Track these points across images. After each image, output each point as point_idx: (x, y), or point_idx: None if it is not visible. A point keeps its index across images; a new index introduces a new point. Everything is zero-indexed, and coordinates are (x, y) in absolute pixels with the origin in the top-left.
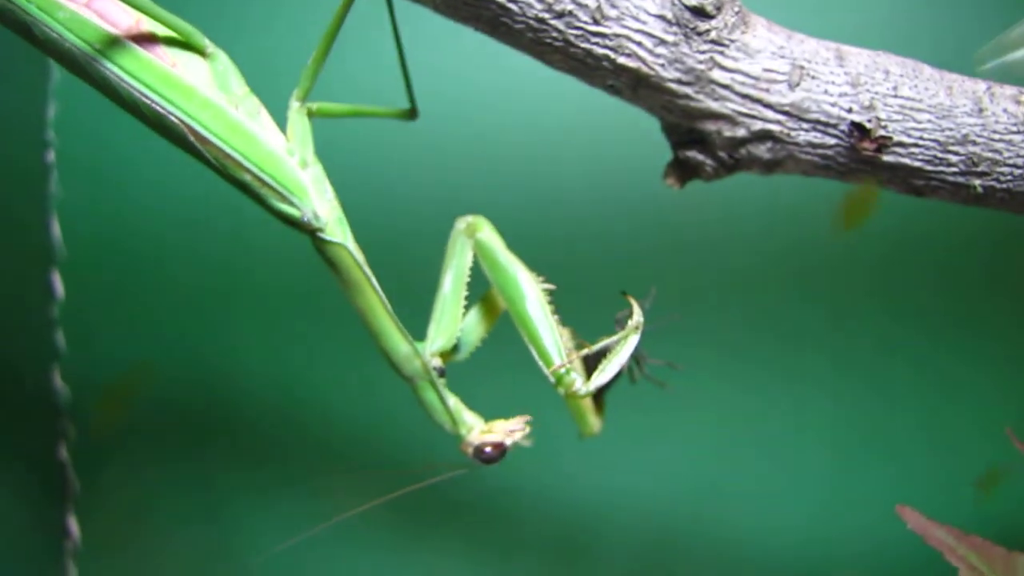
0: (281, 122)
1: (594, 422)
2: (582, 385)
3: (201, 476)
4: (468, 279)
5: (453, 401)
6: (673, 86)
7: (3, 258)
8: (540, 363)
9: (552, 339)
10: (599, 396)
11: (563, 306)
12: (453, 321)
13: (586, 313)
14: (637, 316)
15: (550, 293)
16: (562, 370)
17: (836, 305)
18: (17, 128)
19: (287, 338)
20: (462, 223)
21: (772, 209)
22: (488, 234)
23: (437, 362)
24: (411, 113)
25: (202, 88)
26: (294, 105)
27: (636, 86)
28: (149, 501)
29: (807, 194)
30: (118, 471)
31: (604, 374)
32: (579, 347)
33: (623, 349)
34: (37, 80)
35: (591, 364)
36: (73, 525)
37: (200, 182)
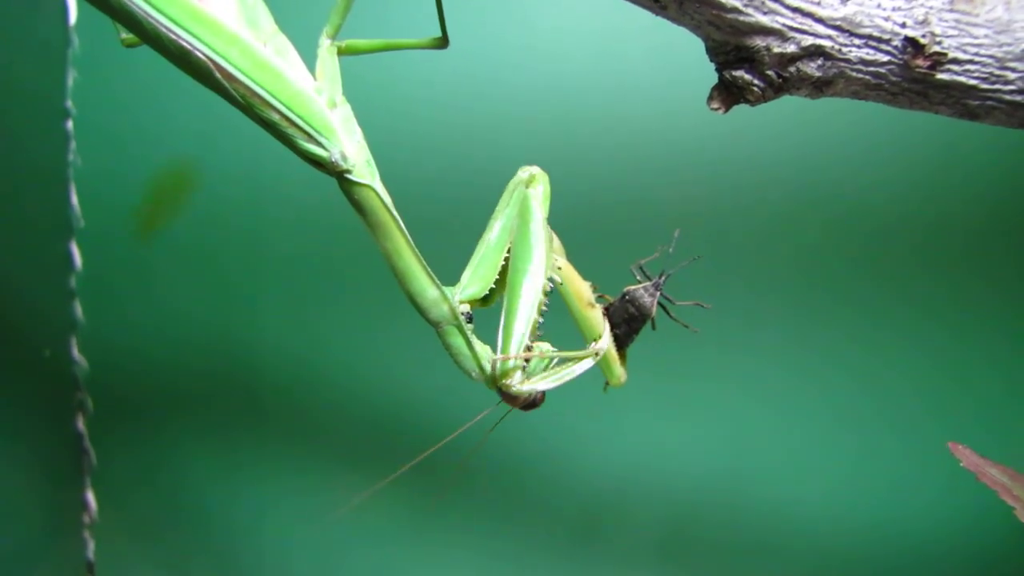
0: (309, 61)
1: (620, 372)
2: (518, 383)
3: (218, 449)
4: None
5: (480, 346)
6: None
7: (22, 228)
8: (499, 341)
9: (522, 330)
10: (621, 348)
11: (588, 253)
12: (491, 270)
13: (608, 264)
14: (604, 341)
15: (551, 291)
16: (509, 363)
17: (868, 281)
18: (36, 97)
19: (306, 308)
20: (525, 172)
21: (810, 179)
22: (539, 192)
23: (466, 307)
24: (442, 42)
25: (229, 23)
26: (324, 43)
27: (683, 0)
28: (166, 474)
29: (853, 159)
30: (135, 444)
31: (544, 382)
32: (599, 300)
33: (572, 367)
34: (57, 48)
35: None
36: (90, 498)
37: (218, 152)
